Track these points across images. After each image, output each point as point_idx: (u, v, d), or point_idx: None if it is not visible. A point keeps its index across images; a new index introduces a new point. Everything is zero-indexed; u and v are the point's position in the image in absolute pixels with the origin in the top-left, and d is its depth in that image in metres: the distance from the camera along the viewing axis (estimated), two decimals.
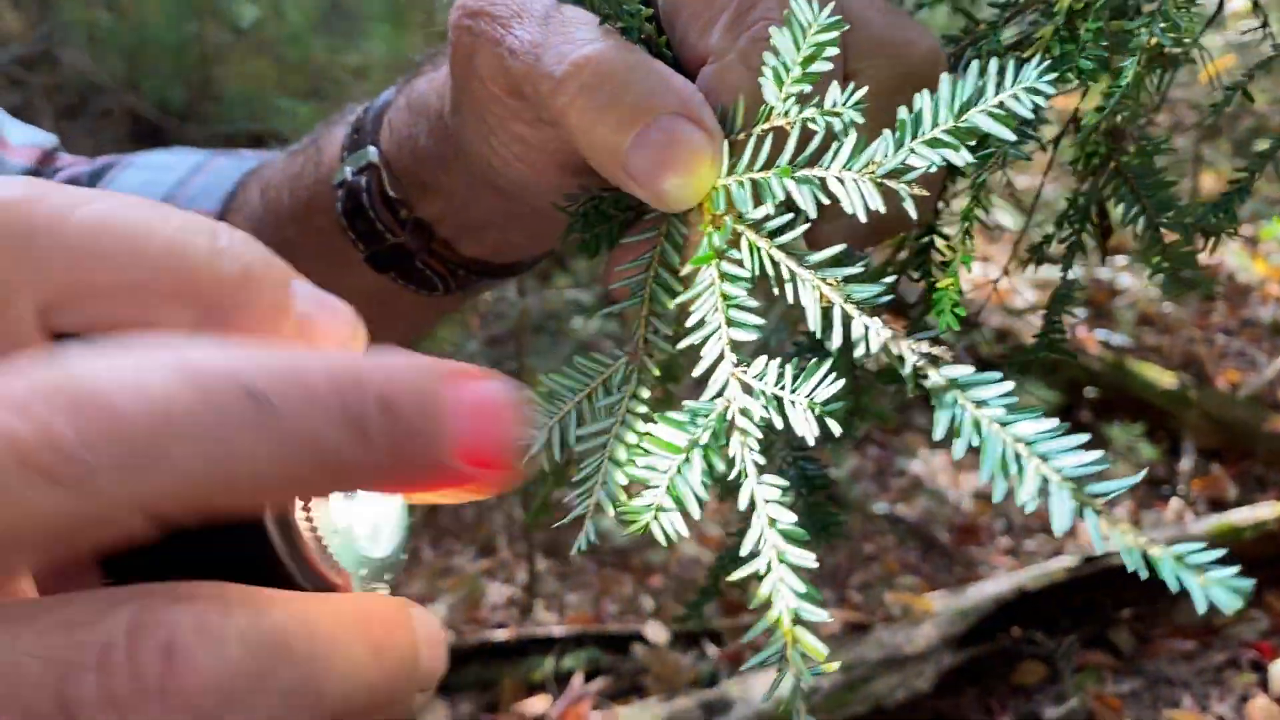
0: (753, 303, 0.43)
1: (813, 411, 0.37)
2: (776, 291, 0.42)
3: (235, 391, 0.21)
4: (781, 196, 0.41)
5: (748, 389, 0.41)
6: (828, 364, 0.37)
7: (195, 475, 0.20)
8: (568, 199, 0.49)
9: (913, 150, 0.37)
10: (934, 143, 0.37)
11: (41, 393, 0.20)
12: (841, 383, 0.36)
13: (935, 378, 0.35)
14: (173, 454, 0.20)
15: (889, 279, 0.38)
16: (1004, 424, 0.33)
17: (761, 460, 0.39)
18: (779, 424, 0.39)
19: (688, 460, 0.40)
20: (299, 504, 0.26)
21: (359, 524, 0.28)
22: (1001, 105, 0.35)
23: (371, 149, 0.62)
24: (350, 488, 0.23)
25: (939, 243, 0.53)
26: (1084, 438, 0.31)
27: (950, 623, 2.35)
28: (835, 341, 0.39)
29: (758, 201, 0.42)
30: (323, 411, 0.21)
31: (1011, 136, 0.35)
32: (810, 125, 0.42)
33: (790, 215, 0.42)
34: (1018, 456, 0.32)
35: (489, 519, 3.00)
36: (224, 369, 0.21)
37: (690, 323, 0.44)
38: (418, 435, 0.23)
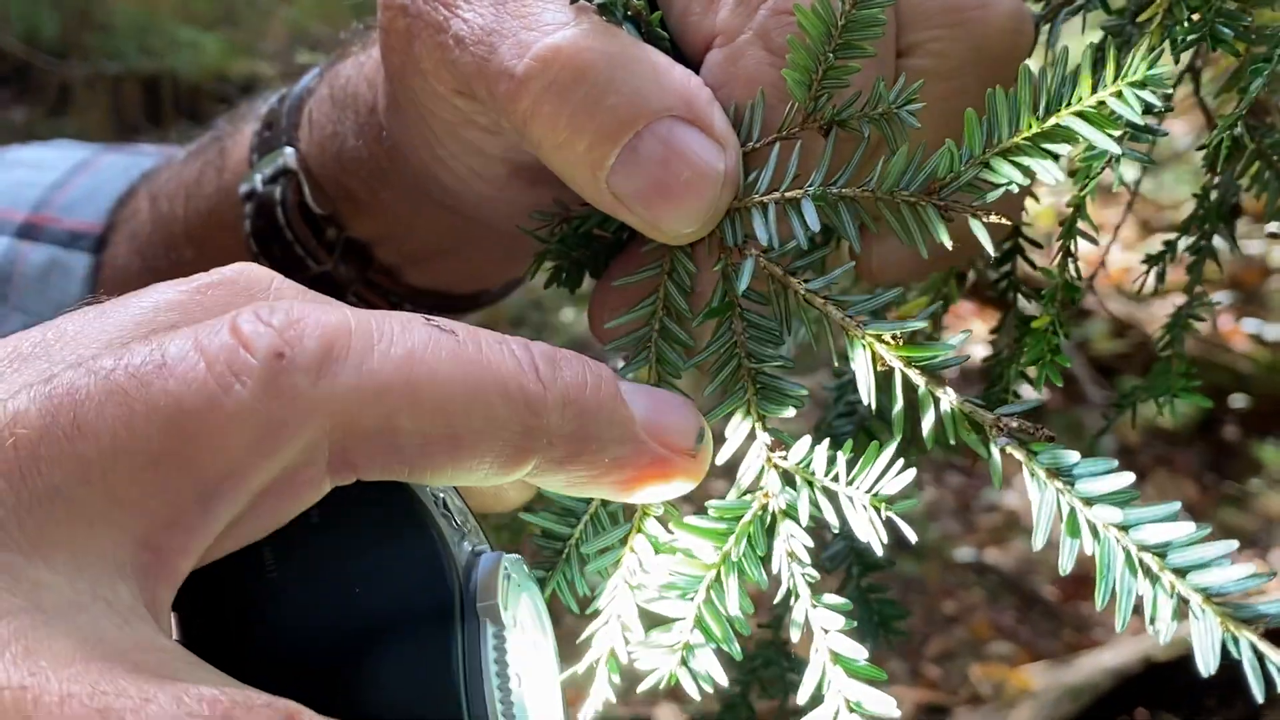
0: (786, 359, 0.42)
1: (877, 511, 0.35)
2: (816, 345, 0.41)
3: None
4: (815, 225, 0.40)
5: (789, 480, 0.39)
6: (892, 447, 0.36)
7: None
8: (538, 218, 0.48)
9: (986, 165, 0.36)
10: (1014, 152, 0.36)
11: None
12: (912, 472, 0.35)
13: (1030, 467, 0.34)
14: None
15: (960, 338, 0.36)
16: (1125, 528, 0.32)
17: (814, 575, 0.38)
18: (833, 521, 0.38)
19: (718, 581, 0.39)
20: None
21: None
22: (1104, 104, 0.34)
23: (288, 150, 0.61)
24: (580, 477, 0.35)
25: (1026, 257, 0.52)
26: (1231, 545, 0.30)
27: (1056, 704, 2.32)
28: (897, 411, 0.38)
29: (785, 232, 0.41)
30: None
31: (1116, 148, 0.33)
32: (851, 129, 0.41)
33: (827, 248, 0.41)
34: (1147, 571, 0.31)
35: None
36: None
37: (708, 390, 0.43)
38: (608, 411, 0.36)
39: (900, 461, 0.36)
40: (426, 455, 0.33)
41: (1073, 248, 0.43)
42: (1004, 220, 0.36)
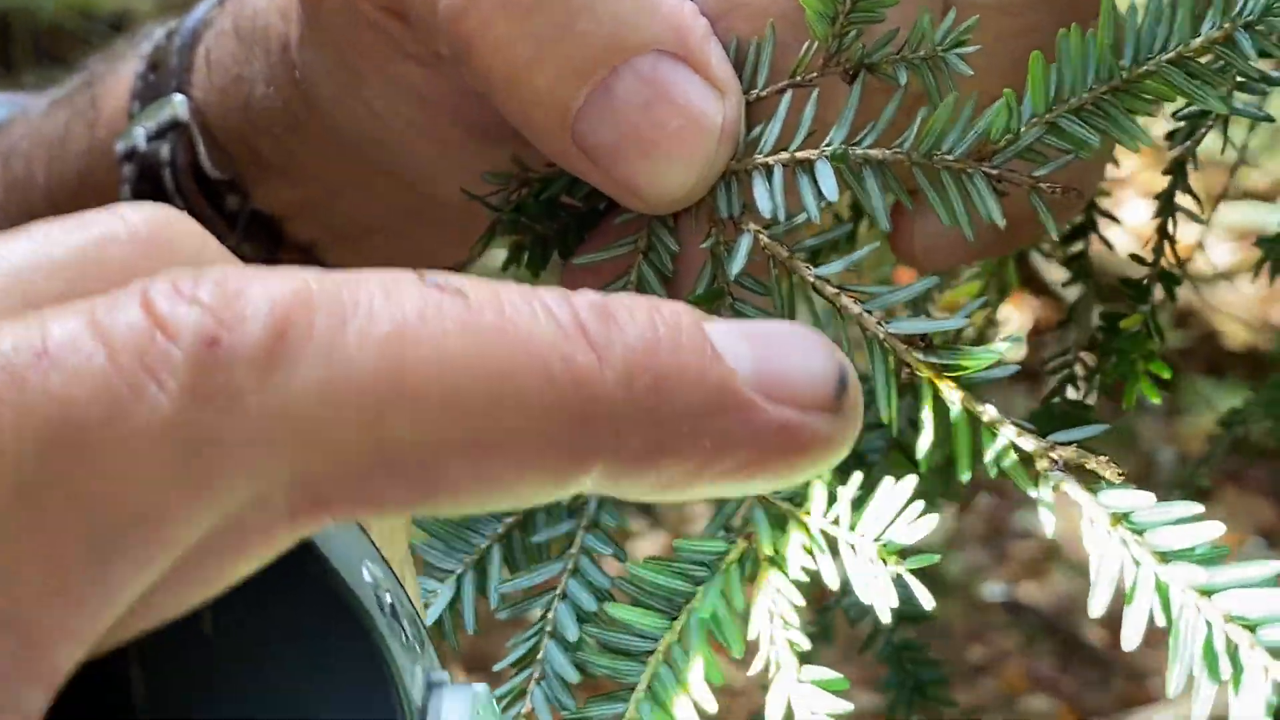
0: None
1: (884, 563, 0.35)
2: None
3: None
4: (832, 194, 0.39)
5: (780, 520, 0.39)
6: (909, 483, 0.35)
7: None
8: (491, 181, 0.48)
9: (1053, 125, 0.36)
10: (1090, 111, 0.36)
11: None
12: (935, 519, 0.34)
13: (1088, 508, 0.33)
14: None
15: (1007, 341, 0.36)
16: (1209, 592, 0.31)
17: (804, 644, 0.37)
18: (832, 580, 0.37)
19: (679, 643, 0.38)
20: None
21: None
22: (1208, 50, 0.34)
23: (178, 98, 0.61)
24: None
25: (1102, 236, 0.51)
26: None
27: None
28: (924, 440, 0.37)
29: (794, 203, 0.41)
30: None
31: (1223, 106, 0.33)
32: (884, 76, 0.41)
33: (847, 225, 0.41)
34: (1233, 649, 0.31)
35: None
36: None
37: None
38: (695, 372, 0.29)
39: (920, 503, 0.35)
40: (438, 474, 0.28)
41: (1170, 227, 0.43)
42: (1073, 195, 0.35)
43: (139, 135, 0.61)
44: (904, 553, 0.35)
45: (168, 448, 0.25)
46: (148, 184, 0.61)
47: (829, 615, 0.58)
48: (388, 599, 0.30)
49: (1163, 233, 0.42)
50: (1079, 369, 0.49)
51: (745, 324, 0.32)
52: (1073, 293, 0.52)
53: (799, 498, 0.39)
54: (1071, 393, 0.48)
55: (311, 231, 0.62)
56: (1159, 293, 0.42)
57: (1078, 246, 0.49)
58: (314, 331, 0.27)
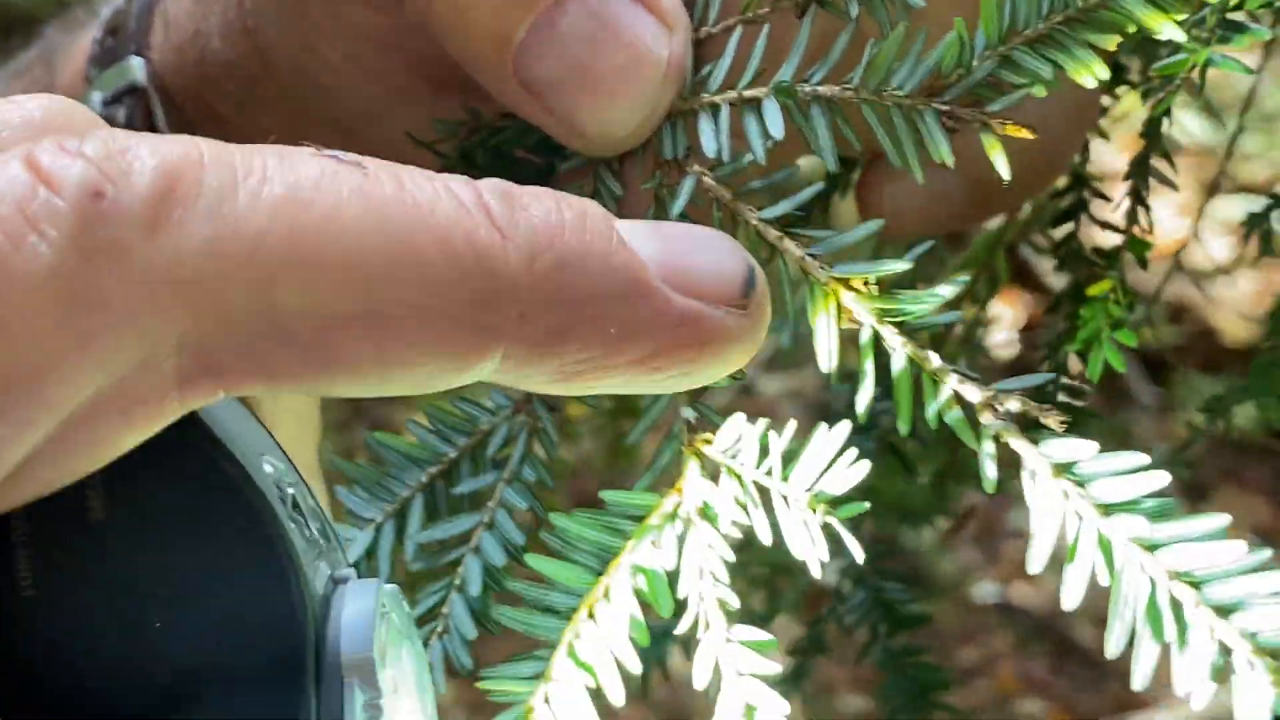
0: None
1: (813, 512, 0.33)
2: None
3: None
4: (778, 131, 0.38)
5: (714, 471, 0.37)
6: (842, 430, 0.33)
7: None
8: (440, 129, 0.47)
9: (1006, 58, 0.34)
10: (1046, 42, 0.34)
11: None
12: (866, 465, 0.32)
13: (1029, 457, 0.32)
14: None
15: (958, 282, 0.34)
16: (1152, 547, 0.30)
17: (734, 602, 0.35)
18: (764, 533, 0.36)
19: (606, 599, 0.36)
20: None
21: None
22: None
23: (135, 62, 0.59)
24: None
25: (1094, 210, 0.49)
26: None
27: None
28: (864, 393, 0.35)
29: (739, 143, 0.39)
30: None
31: (1180, 34, 0.31)
32: (835, 10, 0.39)
33: (792, 168, 0.39)
34: (1177, 607, 0.29)
35: None
36: None
37: None
38: (600, 256, 0.29)
39: (853, 451, 0.33)
40: (335, 347, 0.27)
41: (1144, 193, 0.41)
42: (1024, 134, 0.34)
43: (95, 101, 0.59)
44: (835, 502, 0.33)
45: (48, 301, 0.24)
46: None
47: (821, 627, 0.56)
48: (290, 492, 0.30)
49: (1135, 197, 0.40)
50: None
51: (655, 223, 0.31)
52: (1064, 281, 0.50)
53: (732, 449, 0.37)
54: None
55: None
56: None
57: (1067, 228, 0.47)
58: (203, 189, 0.26)
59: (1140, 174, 0.41)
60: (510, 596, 0.39)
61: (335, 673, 0.28)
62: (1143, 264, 0.41)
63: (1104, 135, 0.47)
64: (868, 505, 0.33)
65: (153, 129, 0.57)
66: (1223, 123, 0.44)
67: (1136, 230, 0.41)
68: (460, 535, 0.40)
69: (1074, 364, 0.45)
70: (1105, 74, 0.33)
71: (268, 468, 0.29)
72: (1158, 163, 0.41)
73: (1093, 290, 0.41)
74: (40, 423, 0.25)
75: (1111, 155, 0.50)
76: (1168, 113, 0.40)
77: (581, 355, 0.29)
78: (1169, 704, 2.39)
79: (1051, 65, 0.34)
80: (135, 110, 0.58)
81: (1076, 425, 0.43)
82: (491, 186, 0.29)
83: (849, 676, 2.63)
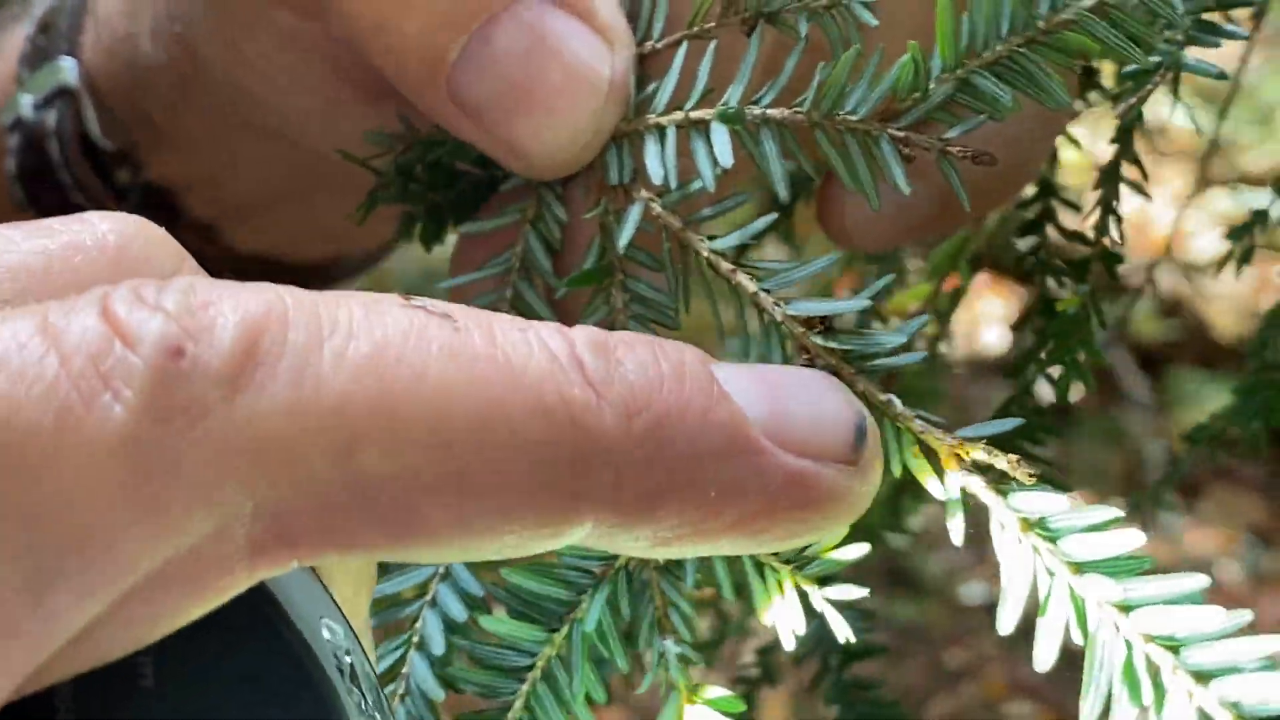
0: None
1: (797, 589, 0.31)
2: (723, 335, 0.37)
3: None
4: (727, 159, 0.36)
5: None
6: None
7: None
8: (373, 142, 0.45)
9: (964, 82, 0.32)
10: (1004, 66, 0.32)
11: None
12: (865, 546, 0.31)
13: (997, 511, 0.30)
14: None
15: (916, 324, 0.32)
16: (1126, 608, 0.28)
17: (694, 656, 0.34)
18: (725, 588, 0.34)
19: (560, 660, 0.35)
20: None
21: None
22: None
23: (66, 63, 0.57)
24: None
25: (1059, 225, 0.48)
26: (1275, 642, 0.26)
27: None
28: None
29: (686, 169, 0.37)
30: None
31: (1144, 60, 0.29)
32: (784, 27, 0.37)
33: (744, 195, 0.37)
34: (1154, 671, 0.27)
35: None
36: None
37: None
38: (699, 412, 0.27)
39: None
40: (418, 514, 0.25)
41: (1115, 203, 0.40)
42: (985, 161, 0.32)
43: (25, 103, 0.57)
44: (823, 580, 0.32)
45: (120, 466, 0.23)
46: (33, 155, 0.57)
47: (770, 656, 0.54)
48: (347, 660, 0.28)
49: (1106, 207, 0.38)
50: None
51: (757, 366, 0.29)
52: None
53: None
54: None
55: (210, 208, 0.58)
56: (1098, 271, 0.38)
57: (1033, 239, 0.45)
58: (287, 348, 0.24)
59: (1110, 182, 0.39)
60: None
61: None
62: (1113, 277, 0.39)
63: (1075, 143, 0.45)
64: (865, 593, 0.31)
65: (83, 132, 0.56)
66: (1205, 117, 0.42)
67: (1107, 241, 0.39)
68: (416, 588, 0.38)
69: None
70: (1068, 99, 0.31)
71: (326, 634, 0.28)
72: (1129, 171, 0.39)
73: (1062, 306, 0.40)
74: (102, 593, 0.23)
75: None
76: (1140, 119, 0.38)
77: (678, 519, 0.27)
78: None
79: (1011, 90, 0.32)
80: (66, 113, 0.56)
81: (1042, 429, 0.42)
82: (586, 338, 0.27)
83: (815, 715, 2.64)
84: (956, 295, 0.49)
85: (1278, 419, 0.45)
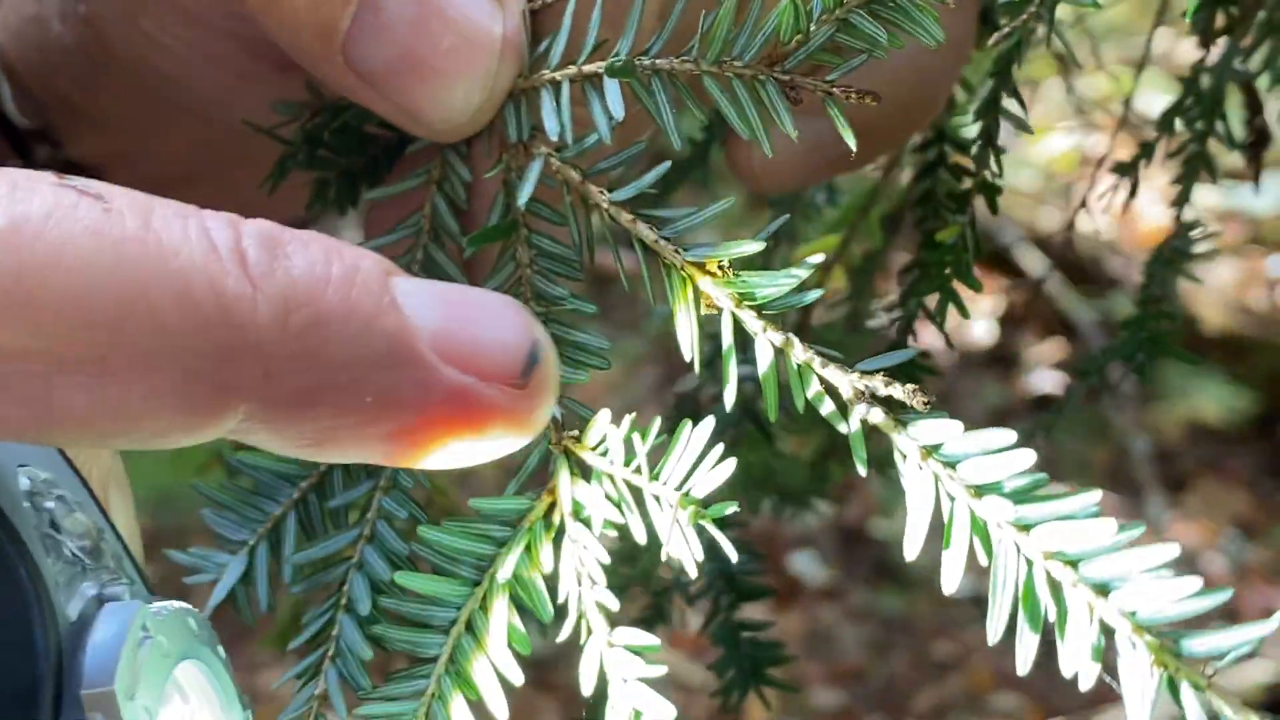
0: (586, 306, 0.37)
1: (684, 512, 0.31)
2: (626, 284, 0.37)
3: None
4: (619, 111, 0.35)
5: (584, 471, 0.35)
6: (708, 425, 0.31)
7: None
8: (281, 111, 0.44)
9: (844, 22, 0.32)
10: (879, 5, 0.32)
11: None
12: (732, 462, 0.30)
13: (899, 441, 0.30)
14: None
15: (812, 261, 0.32)
16: (1025, 527, 0.28)
17: (613, 602, 0.33)
18: (639, 533, 0.34)
19: (482, 610, 0.34)
20: None
21: None
22: None
23: None
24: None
25: (953, 160, 0.47)
26: (1171, 549, 0.26)
27: None
28: (730, 381, 0.33)
29: (581, 122, 0.37)
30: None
31: None
32: None
33: (640, 144, 0.37)
34: (1055, 586, 0.27)
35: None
36: None
37: None
38: (364, 317, 0.27)
39: (719, 448, 0.31)
40: (56, 395, 0.25)
41: (994, 135, 0.39)
42: (869, 100, 0.31)
43: None
44: (705, 503, 0.32)
45: None
46: None
47: (664, 598, 0.54)
48: (48, 506, 0.28)
49: (986, 139, 0.38)
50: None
51: (443, 285, 0.29)
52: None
53: (600, 447, 0.35)
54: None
55: (131, 183, 0.56)
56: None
57: (925, 183, 0.45)
58: None
59: (989, 114, 0.39)
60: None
61: (75, 706, 0.26)
62: (993, 208, 0.39)
63: (968, 86, 0.45)
64: (736, 506, 0.31)
65: (2, 115, 0.54)
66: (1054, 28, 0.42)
67: (986, 174, 0.39)
68: (340, 551, 0.38)
69: None
70: (941, 35, 0.31)
71: (24, 481, 0.27)
72: (1009, 103, 0.38)
73: (942, 236, 0.39)
74: None
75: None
76: (1018, 47, 0.38)
77: (331, 423, 0.27)
78: None
79: (887, 29, 0.32)
80: None
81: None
82: (255, 231, 0.27)
83: (826, 672, 2.63)
84: (872, 257, 0.49)
85: (1163, 350, 0.45)
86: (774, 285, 0.32)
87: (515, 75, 0.38)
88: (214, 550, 0.39)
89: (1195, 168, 0.45)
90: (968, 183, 0.39)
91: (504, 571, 0.35)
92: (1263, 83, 0.43)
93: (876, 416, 0.31)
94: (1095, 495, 0.28)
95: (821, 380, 0.32)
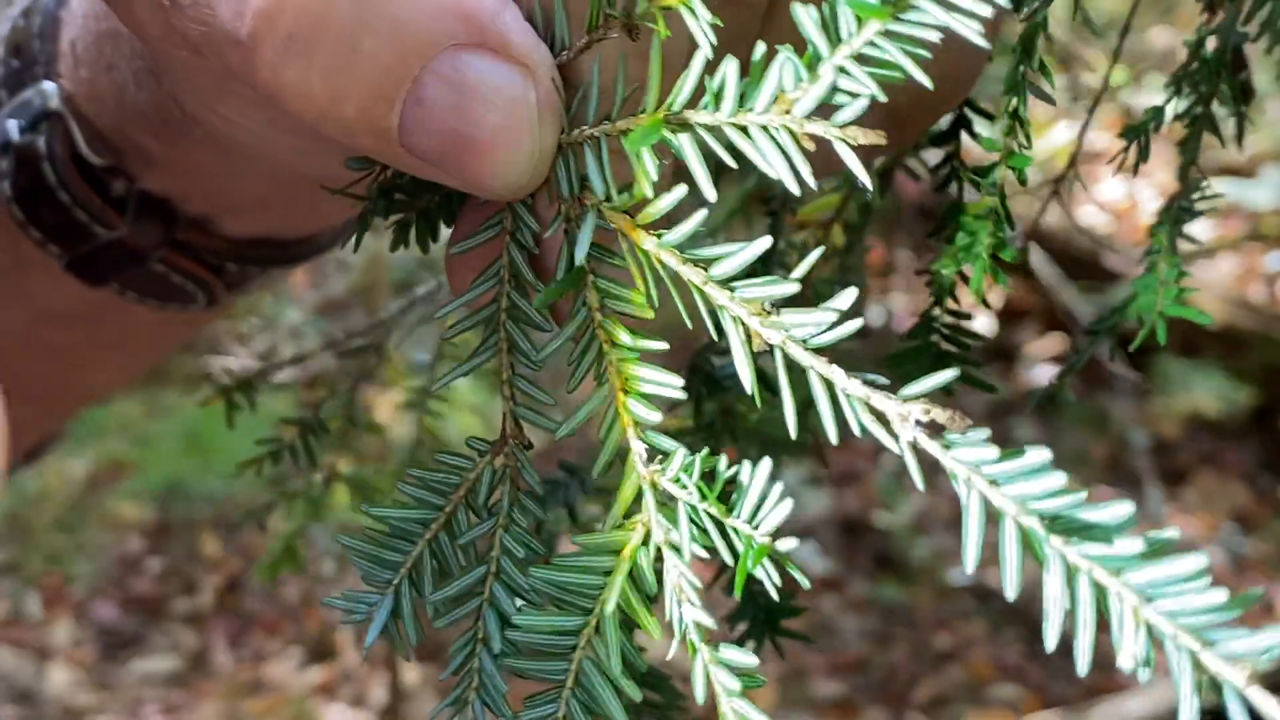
0: (657, 344, 0.38)
1: (756, 552, 0.32)
2: (688, 322, 0.38)
3: None
4: (654, 173, 0.36)
5: (669, 503, 0.36)
6: (766, 465, 0.32)
7: None
8: (354, 168, 0.45)
9: (843, 71, 0.32)
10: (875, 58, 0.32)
11: None
12: (789, 504, 0.31)
13: (946, 461, 0.31)
14: None
15: (847, 294, 0.33)
16: (1069, 532, 0.29)
17: (709, 622, 0.35)
18: (728, 557, 0.35)
19: (599, 634, 0.37)
20: None
21: None
22: None
23: (49, 87, 0.57)
24: None
25: (978, 135, 0.47)
26: (1200, 560, 0.27)
27: None
28: (790, 418, 0.34)
29: (623, 176, 0.38)
30: None
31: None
32: (648, 24, 0.37)
33: (681, 190, 0.37)
34: (1099, 593, 0.28)
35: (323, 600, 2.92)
36: None
37: (570, 386, 0.40)
38: None
39: (778, 485, 0.32)
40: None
41: (1021, 109, 0.39)
42: (877, 140, 0.32)
43: (12, 127, 0.57)
44: (774, 535, 0.33)
45: None
46: (26, 177, 0.58)
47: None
48: None
49: (1013, 114, 0.38)
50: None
51: None
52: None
53: (679, 479, 0.36)
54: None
55: (205, 208, 0.59)
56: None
57: (949, 147, 0.44)
58: None
59: (1016, 90, 0.38)
60: None
61: None
62: (1021, 180, 0.39)
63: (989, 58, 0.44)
64: (797, 544, 0.32)
65: (76, 156, 0.56)
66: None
67: (1014, 145, 0.39)
68: (472, 587, 0.40)
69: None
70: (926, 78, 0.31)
71: None
72: (1034, 76, 0.38)
73: (974, 208, 0.39)
74: None
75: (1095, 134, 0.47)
76: (1044, 24, 0.37)
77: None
78: (1137, 690, 2.31)
79: (877, 81, 0.32)
80: (54, 137, 0.57)
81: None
82: None
83: (825, 663, 2.60)
84: (866, 210, 0.49)
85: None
86: (815, 323, 0.33)
87: (558, 133, 0.39)
88: (364, 592, 0.42)
89: (1200, 129, 0.44)
90: (993, 158, 0.39)
91: (612, 598, 0.36)
92: (1261, 45, 0.42)
93: (923, 441, 0.31)
94: (1129, 508, 0.28)
95: (870, 409, 0.32)
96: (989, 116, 0.43)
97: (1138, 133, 0.43)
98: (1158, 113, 0.44)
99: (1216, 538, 2.69)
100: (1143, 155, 0.43)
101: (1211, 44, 0.43)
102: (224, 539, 2.95)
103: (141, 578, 2.90)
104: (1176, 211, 0.43)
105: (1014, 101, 0.39)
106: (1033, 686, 2.56)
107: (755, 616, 0.50)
